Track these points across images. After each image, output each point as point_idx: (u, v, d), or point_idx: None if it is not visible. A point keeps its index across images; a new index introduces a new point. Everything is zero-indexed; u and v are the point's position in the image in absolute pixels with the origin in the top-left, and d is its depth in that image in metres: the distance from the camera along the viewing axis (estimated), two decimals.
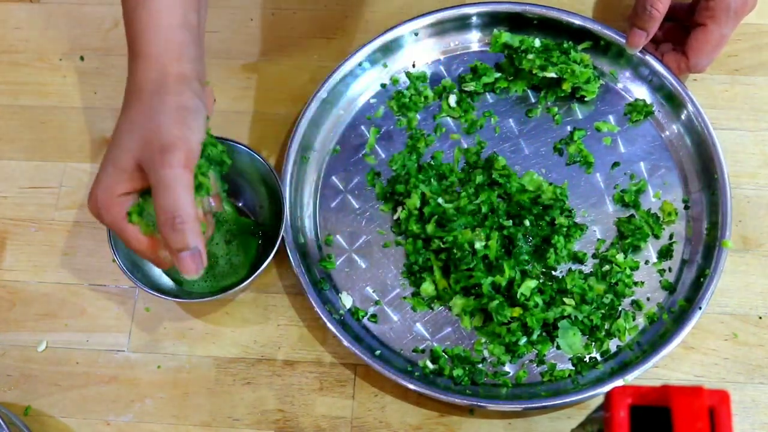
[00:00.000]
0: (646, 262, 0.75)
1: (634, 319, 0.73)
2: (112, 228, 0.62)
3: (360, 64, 0.81)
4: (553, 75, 0.78)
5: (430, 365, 0.72)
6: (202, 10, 0.66)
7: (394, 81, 0.83)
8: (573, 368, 0.71)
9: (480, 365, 0.71)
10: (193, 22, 0.64)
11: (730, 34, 0.75)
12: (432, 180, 0.77)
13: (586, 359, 0.71)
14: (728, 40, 0.75)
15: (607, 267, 0.74)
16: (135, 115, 0.61)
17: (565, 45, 0.79)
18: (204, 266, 0.60)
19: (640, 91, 0.81)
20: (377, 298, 0.75)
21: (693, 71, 0.78)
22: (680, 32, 0.80)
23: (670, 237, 0.75)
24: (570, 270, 0.74)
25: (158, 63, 0.61)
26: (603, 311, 0.72)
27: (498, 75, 0.81)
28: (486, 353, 0.72)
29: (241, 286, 0.69)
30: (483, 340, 0.72)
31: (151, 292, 0.69)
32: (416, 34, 0.83)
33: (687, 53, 0.77)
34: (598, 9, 0.87)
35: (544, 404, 0.68)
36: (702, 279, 0.72)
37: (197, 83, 0.63)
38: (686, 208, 0.77)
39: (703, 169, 0.77)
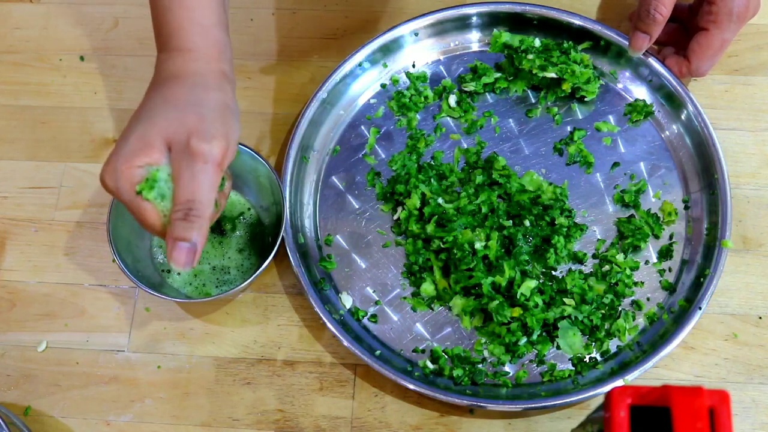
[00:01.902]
0: (646, 263, 0.75)
1: (634, 319, 0.72)
2: (128, 201, 0.59)
3: (360, 64, 0.81)
4: (553, 75, 0.78)
5: (430, 365, 0.71)
6: (227, 11, 0.67)
7: (394, 81, 0.83)
8: (573, 368, 0.71)
9: (480, 365, 0.71)
10: (226, 23, 0.65)
11: (732, 39, 0.75)
12: (432, 180, 0.77)
13: (586, 359, 0.71)
14: (730, 44, 0.75)
15: (607, 267, 0.74)
16: (172, 96, 0.61)
17: (565, 45, 0.79)
18: (195, 265, 0.58)
19: (640, 92, 0.81)
20: (377, 298, 0.75)
21: (694, 75, 0.78)
22: (682, 35, 0.80)
23: (670, 237, 0.75)
24: (570, 270, 0.74)
25: (201, 57, 0.62)
26: (603, 311, 0.72)
27: (498, 75, 0.81)
28: (486, 353, 0.72)
29: (241, 286, 0.69)
30: (483, 340, 0.72)
31: (151, 292, 0.69)
32: (416, 34, 0.83)
33: (689, 57, 0.76)
34: (598, 9, 0.87)
35: (544, 404, 0.68)
36: (702, 279, 0.72)
37: (234, 85, 0.64)
38: (686, 208, 0.77)
39: (703, 169, 0.77)
